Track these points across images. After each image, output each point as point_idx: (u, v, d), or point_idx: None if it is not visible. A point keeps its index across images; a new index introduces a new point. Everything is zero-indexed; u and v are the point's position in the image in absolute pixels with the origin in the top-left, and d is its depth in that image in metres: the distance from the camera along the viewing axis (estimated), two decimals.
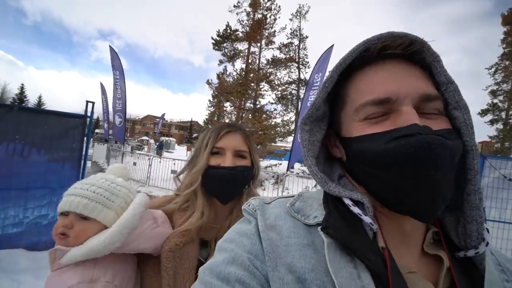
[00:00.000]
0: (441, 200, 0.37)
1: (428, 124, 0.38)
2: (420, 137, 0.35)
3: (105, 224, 0.73)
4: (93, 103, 3.56)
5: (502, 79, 17.51)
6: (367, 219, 0.40)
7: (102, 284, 0.68)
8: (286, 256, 0.41)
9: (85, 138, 3.44)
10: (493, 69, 17.81)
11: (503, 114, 17.49)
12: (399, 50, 0.41)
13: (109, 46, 8.25)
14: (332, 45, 7.94)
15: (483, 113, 18.10)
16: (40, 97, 47.63)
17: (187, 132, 65.22)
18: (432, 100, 0.40)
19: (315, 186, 11.52)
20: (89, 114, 3.49)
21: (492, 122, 17.78)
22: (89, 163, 14.38)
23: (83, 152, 3.44)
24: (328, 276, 0.37)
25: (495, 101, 17.89)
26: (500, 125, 17.42)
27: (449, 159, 0.36)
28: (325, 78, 0.46)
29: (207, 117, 20.30)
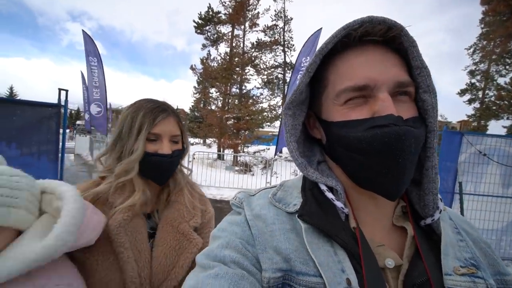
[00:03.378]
0: (405, 181, 0.42)
1: (400, 109, 0.42)
2: (394, 128, 0.39)
3: (17, 228, 0.59)
4: (67, 90, 3.34)
5: (480, 59, 17.88)
6: (339, 204, 0.46)
7: None
8: (272, 240, 0.46)
9: (61, 129, 3.26)
10: (471, 50, 18.19)
11: (480, 94, 18.14)
12: (378, 36, 0.43)
13: (82, 30, 7.50)
14: (320, 29, 7.82)
15: (462, 92, 18.68)
16: (11, 88, 44.49)
17: None
18: (405, 86, 0.43)
19: None
20: (62, 103, 3.29)
21: (470, 101, 18.43)
22: (72, 156, 13.93)
23: (60, 144, 3.27)
24: (309, 255, 0.43)
25: (473, 81, 18.42)
26: (477, 104, 18.11)
27: (414, 146, 0.40)
28: (308, 62, 0.47)
29: (193, 104, 19.87)
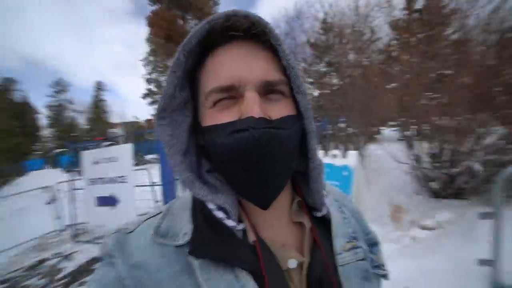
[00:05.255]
0: (276, 188, 0.40)
1: (270, 108, 0.39)
2: (251, 132, 0.36)
3: None
4: None
5: (151, 70, 22.73)
6: (230, 223, 0.41)
7: None
8: None
9: None
10: (145, 62, 22.31)
11: (158, 97, 23.47)
12: (242, 32, 0.40)
13: None
14: None
15: (145, 96, 22.50)
16: None
17: None
18: (274, 85, 0.40)
19: None
20: None
21: (151, 103, 22.85)
22: None
23: None
24: None
25: (150, 87, 22.98)
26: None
27: (280, 149, 0.38)
28: (172, 61, 0.41)
29: None
